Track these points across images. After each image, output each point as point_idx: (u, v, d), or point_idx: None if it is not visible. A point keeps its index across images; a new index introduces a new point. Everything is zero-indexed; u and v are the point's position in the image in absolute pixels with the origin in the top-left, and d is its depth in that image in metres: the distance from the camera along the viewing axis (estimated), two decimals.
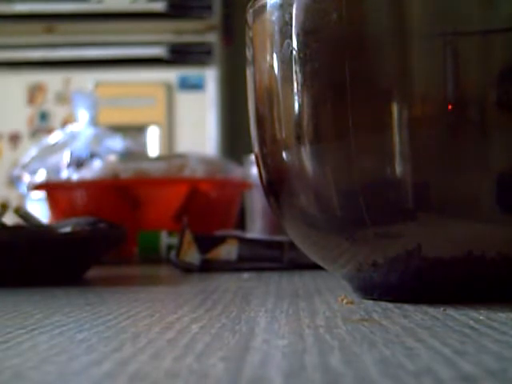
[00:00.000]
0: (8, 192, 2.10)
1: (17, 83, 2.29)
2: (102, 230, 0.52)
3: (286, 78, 0.34)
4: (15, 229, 0.54)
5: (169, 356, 0.22)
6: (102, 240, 0.52)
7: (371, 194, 0.32)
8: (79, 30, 2.28)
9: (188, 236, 0.59)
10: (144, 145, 2.16)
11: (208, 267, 0.58)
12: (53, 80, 2.28)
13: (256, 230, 0.91)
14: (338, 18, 0.32)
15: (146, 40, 2.27)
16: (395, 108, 0.31)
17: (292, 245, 0.54)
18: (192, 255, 0.58)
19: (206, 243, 0.59)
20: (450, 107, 0.30)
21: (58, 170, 0.94)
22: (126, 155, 0.96)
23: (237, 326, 0.27)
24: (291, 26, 0.33)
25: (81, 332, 0.27)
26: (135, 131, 2.16)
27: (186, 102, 2.27)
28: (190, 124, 2.26)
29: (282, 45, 0.34)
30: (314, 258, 0.37)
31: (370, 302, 0.35)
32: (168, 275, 0.57)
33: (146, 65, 2.27)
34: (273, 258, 0.58)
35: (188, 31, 2.27)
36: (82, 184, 0.83)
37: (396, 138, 0.31)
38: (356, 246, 0.33)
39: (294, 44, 0.33)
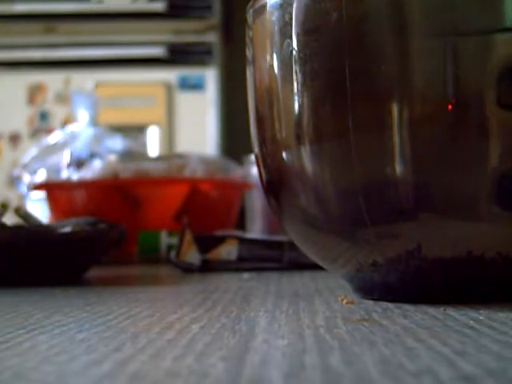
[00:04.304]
0: (8, 192, 2.10)
1: (17, 83, 2.29)
2: (102, 229, 0.52)
3: (286, 78, 0.34)
4: (15, 229, 0.54)
5: (169, 356, 0.22)
6: (101, 240, 0.52)
7: (371, 194, 0.32)
8: (79, 30, 2.28)
9: (188, 236, 0.59)
10: (144, 145, 2.16)
11: (208, 267, 0.58)
12: (53, 80, 2.28)
13: (256, 230, 0.91)
14: (338, 17, 0.32)
15: (146, 40, 2.26)
16: (395, 108, 0.31)
17: (292, 245, 0.54)
18: (192, 255, 0.58)
19: (206, 243, 0.59)
20: (449, 107, 0.30)
21: (58, 170, 0.94)
22: (125, 155, 0.96)
23: (237, 326, 0.27)
24: (291, 26, 0.33)
25: (81, 332, 0.27)
26: (135, 131, 2.16)
27: (186, 101, 2.27)
28: (190, 124, 2.26)
29: (282, 45, 0.34)
30: (314, 257, 0.37)
31: (370, 302, 0.35)
32: (168, 275, 0.57)
33: (146, 65, 2.27)
34: (273, 258, 0.58)
35: (188, 31, 2.27)
36: (82, 184, 0.83)
37: (396, 138, 0.31)
38: (356, 246, 0.33)
39: (294, 44, 0.33)
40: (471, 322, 0.27)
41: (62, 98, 2.27)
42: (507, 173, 0.31)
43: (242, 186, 0.90)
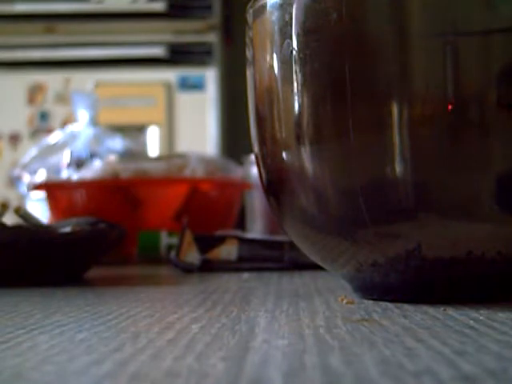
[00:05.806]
0: (8, 192, 2.10)
1: (17, 83, 2.29)
2: (102, 230, 0.52)
3: (286, 77, 0.34)
4: (15, 229, 0.54)
5: (169, 356, 0.22)
6: (101, 240, 0.52)
7: (371, 194, 0.32)
8: (79, 30, 2.28)
9: (188, 236, 0.59)
10: (144, 145, 2.16)
11: (208, 267, 0.58)
12: (53, 80, 2.28)
13: (256, 230, 0.91)
14: (338, 17, 0.32)
15: (146, 40, 2.27)
16: (395, 108, 0.31)
17: (292, 245, 0.54)
18: (192, 255, 0.58)
19: (206, 243, 0.59)
20: (449, 107, 0.30)
21: (58, 170, 0.94)
22: (125, 155, 0.96)
23: (237, 326, 0.27)
24: (291, 26, 0.33)
25: (81, 332, 0.27)
26: (135, 131, 2.16)
27: (186, 102, 2.27)
28: (190, 124, 2.26)
29: (281, 45, 0.34)
30: (314, 258, 0.37)
31: (370, 302, 0.35)
32: (168, 275, 0.57)
33: (146, 65, 2.27)
34: (273, 258, 0.58)
35: (188, 31, 2.27)
36: (82, 184, 0.83)
37: (396, 138, 0.31)
38: (356, 246, 0.33)
39: (294, 44, 0.33)
40: (471, 321, 0.27)
41: (62, 98, 2.27)
42: (507, 173, 0.31)
43: (242, 186, 0.90)
